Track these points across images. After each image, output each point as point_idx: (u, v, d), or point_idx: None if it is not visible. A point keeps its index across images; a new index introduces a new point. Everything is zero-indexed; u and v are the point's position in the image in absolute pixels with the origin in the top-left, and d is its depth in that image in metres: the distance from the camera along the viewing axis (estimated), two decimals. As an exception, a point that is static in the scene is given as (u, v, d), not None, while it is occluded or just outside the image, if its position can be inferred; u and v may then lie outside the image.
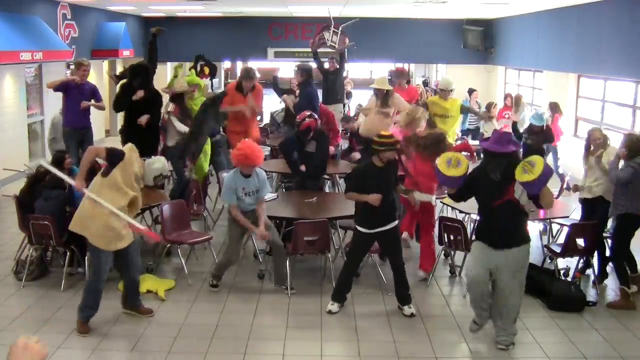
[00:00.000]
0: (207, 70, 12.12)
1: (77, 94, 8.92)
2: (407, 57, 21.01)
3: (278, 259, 6.52)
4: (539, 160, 4.92)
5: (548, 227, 8.04)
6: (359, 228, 5.95)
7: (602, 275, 6.90)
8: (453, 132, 9.45)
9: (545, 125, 9.48)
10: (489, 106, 12.73)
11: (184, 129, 8.14)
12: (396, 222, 5.96)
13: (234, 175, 6.40)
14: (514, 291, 5.25)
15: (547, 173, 4.89)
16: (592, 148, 6.89)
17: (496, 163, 5.09)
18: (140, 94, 7.91)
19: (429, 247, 6.92)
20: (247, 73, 8.75)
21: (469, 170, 5.28)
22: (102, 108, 9.43)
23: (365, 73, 32.46)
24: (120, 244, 5.47)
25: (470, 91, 14.25)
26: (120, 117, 9.20)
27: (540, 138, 9.35)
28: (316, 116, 7.81)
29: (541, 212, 6.99)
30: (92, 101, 8.95)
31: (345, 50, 11.36)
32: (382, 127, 8.28)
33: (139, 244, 5.87)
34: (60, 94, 9.19)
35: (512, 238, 5.13)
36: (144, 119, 7.91)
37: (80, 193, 5.52)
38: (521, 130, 9.97)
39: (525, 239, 5.23)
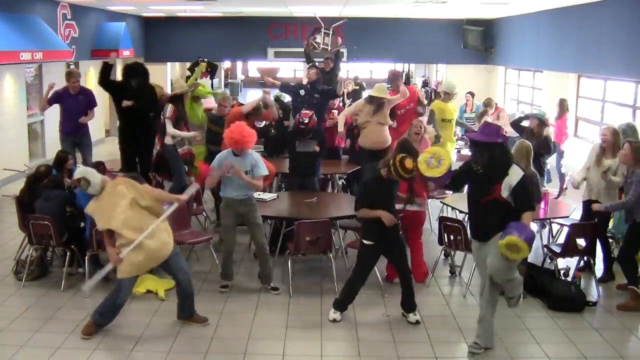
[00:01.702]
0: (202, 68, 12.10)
1: (72, 103, 9.06)
2: (407, 57, 21.02)
3: (262, 259, 6.55)
4: (446, 158, 4.90)
5: (544, 228, 8.06)
6: (366, 242, 5.83)
7: (607, 275, 6.89)
8: (452, 135, 9.41)
9: (543, 132, 8.51)
10: (487, 104, 12.66)
11: (175, 133, 8.03)
12: (399, 232, 5.92)
13: (227, 152, 6.41)
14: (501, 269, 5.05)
15: (530, 241, 4.82)
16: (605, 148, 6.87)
17: (478, 152, 5.07)
18: (127, 103, 7.95)
19: (417, 255, 6.83)
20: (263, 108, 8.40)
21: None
22: (91, 117, 9.42)
23: (365, 73, 32.46)
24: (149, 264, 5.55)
25: (468, 94, 14.14)
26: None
27: (533, 140, 8.90)
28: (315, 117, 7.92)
29: (541, 212, 7.00)
30: (88, 111, 9.21)
31: (344, 49, 11.31)
32: (381, 138, 8.26)
33: None
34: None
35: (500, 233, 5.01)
36: (128, 103, 7.93)
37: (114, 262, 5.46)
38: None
39: None
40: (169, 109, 8.01)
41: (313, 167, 7.92)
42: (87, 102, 9.26)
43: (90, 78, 15.48)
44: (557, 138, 9.65)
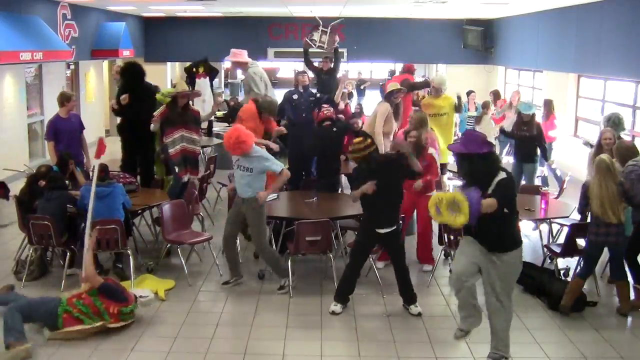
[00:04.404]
0: (201, 69, 12.10)
1: (67, 126, 8.24)
2: (407, 57, 20.96)
3: (265, 260, 6.60)
4: (462, 201, 4.48)
5: (538, 228, 8.06)
6: (364, 226, 5.96)
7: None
8: (450, 132, 9.28)
9: (531, 120, 8.61)
10: (485, 105, 12.68)
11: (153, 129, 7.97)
12: (397, 225, 5.97)
13: None
14: (502, 306, 4.88)
15: (474, 211, 4.49)
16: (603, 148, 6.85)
17: (458, 163, 4.99)
18: (125, 98, 8.07)
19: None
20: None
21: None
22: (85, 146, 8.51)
23: (365, 73, 32.45)
24: None
25: (468, 92, 14.17)
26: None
27: (533, 130, 8.58)
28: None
29: (541, 212, 7.01)
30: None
31: (344, 50, 11.27)
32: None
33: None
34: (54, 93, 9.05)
35: (499, 243, 4.80)
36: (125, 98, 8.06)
37: None
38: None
39: (515, 244, 4.86)
40: (159, 109, 7.94)
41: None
42: (79, 124, 8.44)
43: (90, 78, 15.50)
44: (547, 139, 9.59)
